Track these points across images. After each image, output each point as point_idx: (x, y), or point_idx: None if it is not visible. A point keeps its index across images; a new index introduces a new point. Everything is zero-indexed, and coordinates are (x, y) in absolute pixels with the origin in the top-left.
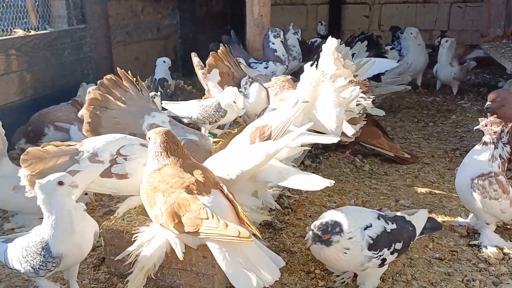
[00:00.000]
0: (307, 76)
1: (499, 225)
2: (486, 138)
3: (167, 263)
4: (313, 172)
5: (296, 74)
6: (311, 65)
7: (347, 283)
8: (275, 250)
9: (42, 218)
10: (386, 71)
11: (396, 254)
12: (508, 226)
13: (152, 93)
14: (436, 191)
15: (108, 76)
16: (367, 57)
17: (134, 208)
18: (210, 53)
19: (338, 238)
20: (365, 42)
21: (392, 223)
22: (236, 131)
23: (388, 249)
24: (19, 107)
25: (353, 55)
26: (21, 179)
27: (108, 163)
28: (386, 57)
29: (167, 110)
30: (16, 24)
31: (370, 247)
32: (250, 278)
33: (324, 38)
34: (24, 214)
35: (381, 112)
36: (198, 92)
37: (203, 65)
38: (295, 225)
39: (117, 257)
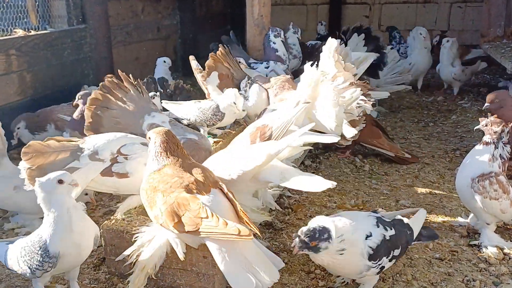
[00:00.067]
0: (307, 76)
1: (499, 225)
2: (486, 138)
3: (167, 263)
4: (313, 172)
5: (296, 73)
6: (312, 65)
7: (347, 283)
8: (276, 250)
9: (42, 218)
10: (385, 63)
11: (394, 261)
12: (508, 226)
13: (151, 93)
14: (436, 191)
15: (109, 78)
16: (366, 51)
17: (135, 208)
18: (210, 54)
19: (326, 245)
20: (362, 36)
21: (391, 229)
22: (236, 131)
23: (387, 257)
24: (19, 107)
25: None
26: (20, 171)
27: (109, 161)
28: (384, 51)
29: (168, 111)
30: (17, 24)
31: (370, 257)
32: (249, 279)
33: (324, 38)
34: (25, 214)
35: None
36: (198, 92)
37: (201, 68)
38: (296, 225)
39: (118, 258)
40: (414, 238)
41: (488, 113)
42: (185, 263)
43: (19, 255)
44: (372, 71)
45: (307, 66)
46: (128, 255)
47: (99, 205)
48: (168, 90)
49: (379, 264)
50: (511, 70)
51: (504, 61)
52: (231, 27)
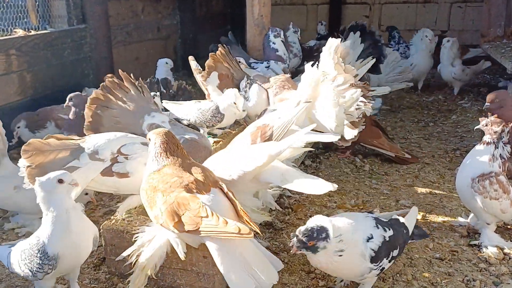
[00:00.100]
0: (308, 76)
1: (500, 225)
2: (486, 138)
3: (167, 263)
4: (313, 172)
5: (296, 72)
6: (312, 65)
7: (347, 285)
8: (276, 250)
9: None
10: (384, 56)
11: (392, 261)
12: (509, 226)
13: (152, 93)
14: (437, 191)
15: (110, 78)
16: (364, 48)
17: (135, 208)
18: (209, 54)
19: (324, 244)
20: (358, 33)
21: (389, 229)
22: (236, 131)
23: (386, 258)
24: (19, 107)
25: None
26: (20, 169)
27: (109, 161)
28: (381, 47)
29: (169, 111)
30: (17, 24)
31: (372, 260)
32: (248, 280)
33: (324, 38)
34: (25, 214)
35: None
36: (198, 92)
37: (201, 69)
38: (296, 225)
39: (118, 258)
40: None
41: (488, 113)
42: (185, 263)
43: (20, 258)
44: (373, 66)
45: (308, 66)
46: (128, 255)
47: (99, 205)
48: (171, 91)
49: (380, 266)
50: (511, 70)
51: (504, 61)
52: (231, 27)
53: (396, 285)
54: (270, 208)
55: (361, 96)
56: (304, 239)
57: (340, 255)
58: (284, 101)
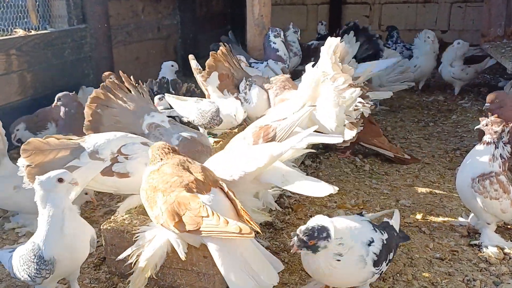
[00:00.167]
0: (308, 76)
1: (500, 225)
2: (486, 137)
3: (167, 263)
4: (313, 172)
5: (296, 72)
6: (313, 65)
7: None
8: (276, 250)
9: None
10: (381, 50)
11: (389, 264)
12: (509, 226)
13: (159, 96)
14: (437, 191)
15: (110, 79)
16: (360, 46)
17: (135, 207)
18: (210, 53)
19: (325, 244)
20: (352, 33)
21: (384, 232)
22: (236, 131)
23: (385, 262)
24: (19, 107)
25: None
26: (19, 169)
27: (109, 161)
28: (376, 41)
29: (168, 110)
30: (17, 24)
31: (375, 264)
32: (248, 281)
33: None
34: (25, 213)
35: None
36: (199, 92)
37: (201, 68)
38: (296, 225)
39: (118, 257)
40: None
41: (488, 113)
42: (186, 263)
43: (18, 264)
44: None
45: (308, 66)
46: (129, 255)
47: (100, 204)
48: (180, 93)
49: (380, 270)
50: (511, 70)
51: (504, 61)
52: (231, 27)
53: (396, 285)
54: (270, 208)
55: (360, 96)
56: (305, 238)
57: (338, 260)
58: (285, 101)
